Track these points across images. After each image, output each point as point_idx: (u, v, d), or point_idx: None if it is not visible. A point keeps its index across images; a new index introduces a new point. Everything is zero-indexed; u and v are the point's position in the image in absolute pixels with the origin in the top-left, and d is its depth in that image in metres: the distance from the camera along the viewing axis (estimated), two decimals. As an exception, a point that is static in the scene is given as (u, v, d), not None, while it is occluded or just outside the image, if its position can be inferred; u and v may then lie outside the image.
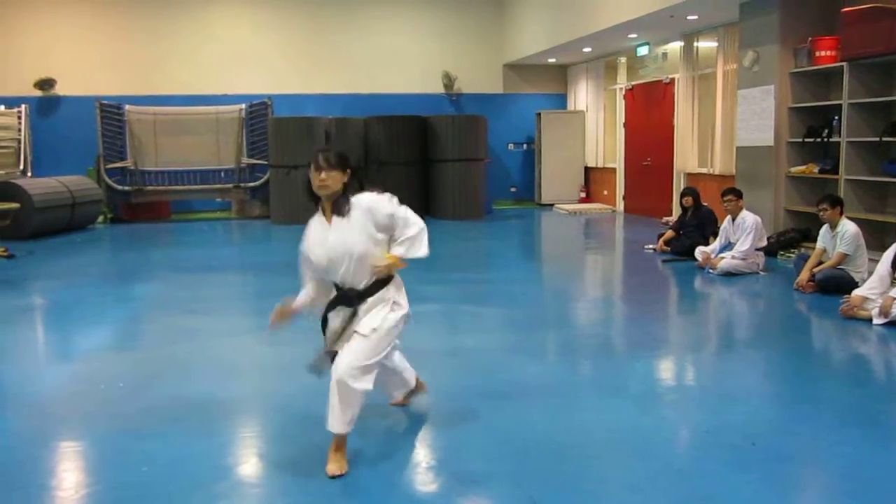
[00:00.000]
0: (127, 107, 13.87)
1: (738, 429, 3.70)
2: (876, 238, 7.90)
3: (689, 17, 10.61)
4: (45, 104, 14.47)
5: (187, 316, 6.48)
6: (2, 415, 4.18)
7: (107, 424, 3.91)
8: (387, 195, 3.42)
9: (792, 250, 8.69)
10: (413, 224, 3.41)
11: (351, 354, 3.29)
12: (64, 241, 11.35)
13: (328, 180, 3.32)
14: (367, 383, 3.31)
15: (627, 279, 8.71)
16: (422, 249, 3.41)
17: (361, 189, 3.43)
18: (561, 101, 16.59)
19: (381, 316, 3.38)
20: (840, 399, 4.29)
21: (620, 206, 14.68)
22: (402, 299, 3.54)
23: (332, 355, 3.34)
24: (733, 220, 8.08)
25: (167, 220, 14.47)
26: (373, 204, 3.36)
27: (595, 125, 15.51)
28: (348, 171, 3.38)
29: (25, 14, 14.27)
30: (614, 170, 14.86)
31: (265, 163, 13.93)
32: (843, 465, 3.36)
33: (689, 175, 12.18)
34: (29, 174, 13.55)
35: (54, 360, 5.43)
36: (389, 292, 3.44)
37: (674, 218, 10.85)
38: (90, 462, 3.54)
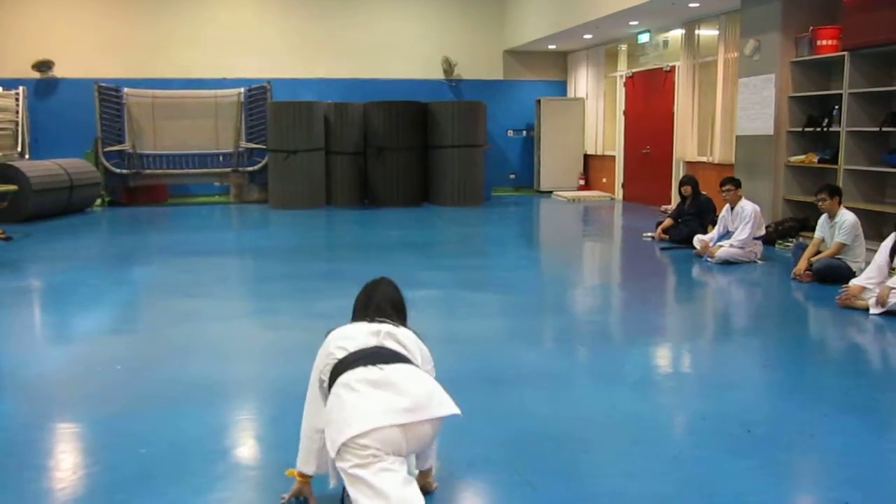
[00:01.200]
0: (125, 90, 13.82)
1: (735, 416, 3.72)
2: (874, 228, 7.91)
3: (690, 5, 10.57)
4: (44, 86, 14.41)
5: (185, 299, 6.47)
6: (0, 396, 4.18)
7: (104, 407, 3.92)
8: None
9: (790, 239, 8.70)
10: None
11: None
12: (61, 224, 11.33)
13: None
14: None
15: (625, 267, 8.72)
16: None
17: None
18: (561, 87, 16.54)
19: None
20: (837, 387, 4.30)
21: (619, 193, 14.67)
22: None
23: None
24: (732, 208, 8.08)
25: (165, 203, 14.45)
26: None
27: (595, 112, 15.47)
28: None
29: (23, -5, 14.20)
30: (613, 157, 14.84)
31: (264, 147, 13.90)
32: (839, 452, 3.37)
33: (689, 163, 12.17)
34: (26, 156, 13.51)
35: (52, 343, 5.42)
36: None
37: (672, 206, 10.85)
38: (88, 444, 3.54)
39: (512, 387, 4.19)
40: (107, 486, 3.05)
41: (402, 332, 2.86)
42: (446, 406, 2.66)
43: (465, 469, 3.18)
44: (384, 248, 9.25)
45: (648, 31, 13.07)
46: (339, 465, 2.54)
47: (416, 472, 2.89)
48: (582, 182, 15.87)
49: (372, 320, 2.88)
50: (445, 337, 5.29)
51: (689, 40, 11.99)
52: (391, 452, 2.53)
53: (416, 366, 2.77)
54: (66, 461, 3.35)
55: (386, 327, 2.83)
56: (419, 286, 6.90)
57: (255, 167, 14.16)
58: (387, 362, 2.67)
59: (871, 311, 5.73)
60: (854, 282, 6.02)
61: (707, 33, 11.80)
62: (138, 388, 4.21)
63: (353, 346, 2.73)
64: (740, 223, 7.90)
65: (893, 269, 5.95)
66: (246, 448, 3.49)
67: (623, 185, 14.61)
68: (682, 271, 7.83)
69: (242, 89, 14.19)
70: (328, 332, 2.89)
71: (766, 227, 8.37)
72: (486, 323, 5.67)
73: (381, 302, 2.98)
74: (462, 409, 3.79)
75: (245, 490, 3.07)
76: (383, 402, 2.56)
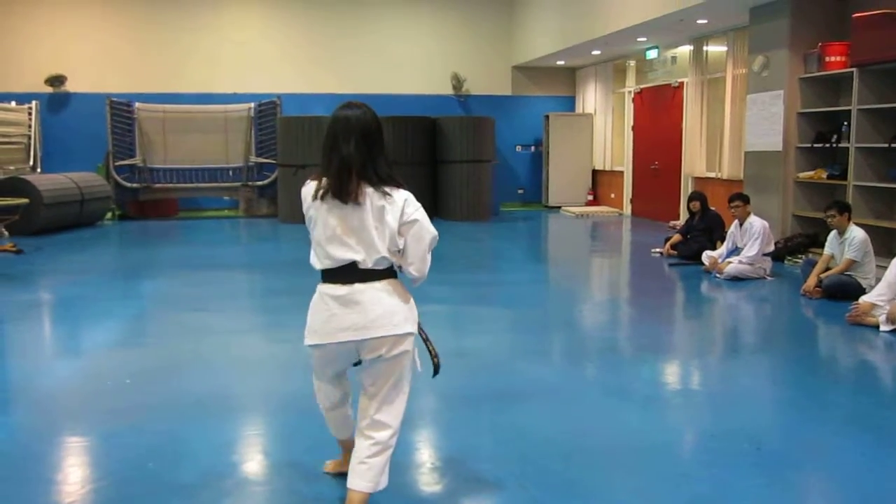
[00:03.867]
0: (137, 104, 13.93)
1: (744, 434, 3.70)
2: (884, 244, 7.88)
3: (698, 22, 10.59)
4: (56, 101, 14.54)
5: (194, 313, 6.49)
6: (9, 409, 4.20)
7: (113, 420, 3.93)
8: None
9: (799, 255, 8.68)
10: None
11: None
12: (72, 238, 11.39)
13: None
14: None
15: (634, 283, 8.70)
16: None
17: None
18: (569, 103, 16.58)
19: None
20: (847, 405, 4.28)
21: (628, 209, 14.67)
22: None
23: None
24: (741, 224, 8.07)
25: (175, 217, 14.52)
26: None
27: (603, 128, 15.50)
28: None
29: (38, 11, 14.34)
30: (622, 173, 14.85)
31: (273, 162, 13.97)
32: (849, 471, 3.35)
33: (697, 179, 12.16)
34: (38, 170, 13.61)
35: (61, 356, 5.45)
36: None
37: (681, 222, 10.84)
38: (96, 457, 3.55)
39: (520, 402, 4.19)
40: (115, 500, 3.06)
41: (373, 212, 2.79)
42: (401, 326, 2.83)
43: (472, 485, 3.17)
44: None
45: (657, 47, 13.10)
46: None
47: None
48: (590, 197, 15.87)
49: (346, 201, 2.76)
50: (454, 352, 5.29)
51: (698, 56, 12.01)
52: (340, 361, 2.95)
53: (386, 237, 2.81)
54: (74, 475, 3.35)
55: (372, 214, 2.78)
56: (428, 301, 6.88)
57: (265, 182, 14.23)
58: (355, 281, 2.80)
59: (882, 328, 5.70)
60: (864, 299, 5.99)
61: (715, 49, 11.82)
62: (147, 401, 4.22)
63: (338, 255, 2.80)
64: (749, 239, 7.88)
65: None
66: (254, 463, 3.49)
67: (631, 201, 14.60)
68: (690, 287, 7.81)
69: (252, 104, 14.28)
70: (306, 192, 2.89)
71: (775, 244, 8.35)
72: (495, 338, 5.67)
73: (354, 164, 2.76)
74: (469, 425, 3.81)
75: (252, 505, 3.07)
76: (344, 320, 2.79)
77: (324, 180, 2.80)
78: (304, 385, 3.89)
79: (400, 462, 3.40)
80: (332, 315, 2.81)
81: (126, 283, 8.12)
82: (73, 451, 3.64)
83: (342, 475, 3.21)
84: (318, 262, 2.88)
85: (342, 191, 2.75)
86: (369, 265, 2.79)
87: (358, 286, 2.80)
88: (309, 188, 2.87)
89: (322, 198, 2.79)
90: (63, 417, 4.04)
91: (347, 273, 2.80)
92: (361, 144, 2.77)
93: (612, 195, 15.32)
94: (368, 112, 2.85)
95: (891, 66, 7.82)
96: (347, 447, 3.15)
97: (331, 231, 2.79)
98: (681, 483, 3.19)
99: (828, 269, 6.96)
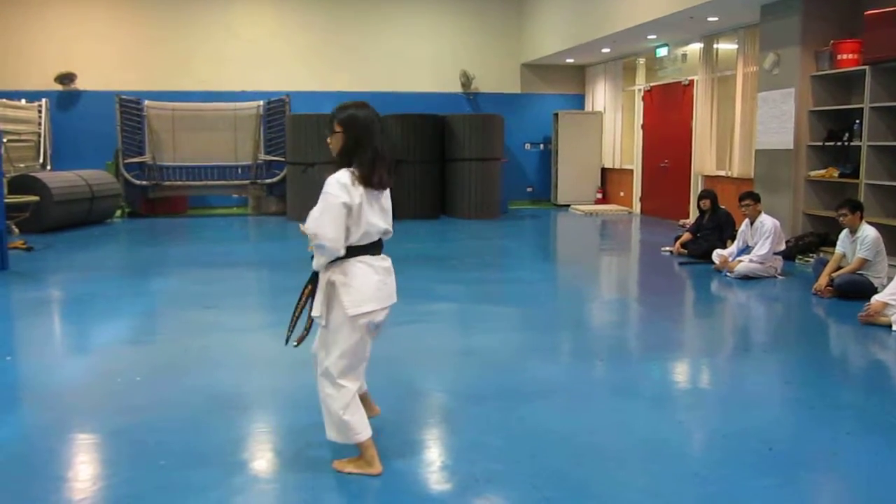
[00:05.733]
0: (146, 102, 13.96)
1: (756, 434, 3.68)
2: (896, 243, 7.83)
3: (709, 19, 10.55)
4: (66, 98, 14.59)
5: (203, 311, 6.51)
6: (20, 406, 4.22)
7: (123, 417, 3.93)
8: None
9: (810, 254, 8.63)
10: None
11: (321, 350, 3.36)
12: (82, 235, 11.43)
13: None
14: (328, 388, 3.24)
15: (643, 281, 8.67)
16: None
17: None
18: (578, 101, 16.54)
19: (320, 303, 3.28)
20: (859, 405, 4.25)
21: (637, 207, 14.63)
22: (348, 294, 3.19)
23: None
24: (751, 223, 8.03)
25: (184, 215, 14.56)
26: None
27: (612, 126, 15.46)
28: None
29: (48, 9, 14.40)
30: (631, 171, 14.81)
31: (282, 160, 13.98)
32: (861, 472, 3.33)
33: (707, 177, 12.11)
34: (48, 168, 13.66)
35: (71, 353, 5.46)
36: (333, 275, 3.24)
37: (691, 220, 10.80)
38: (107, 455, 3.56)
39: (529, 401, 4.17)
40: (126, 497, 3.07)
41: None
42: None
43: (483, 484, 3.16)
44: (400, 260, 9.18)
45: (667, 44, 13.05)
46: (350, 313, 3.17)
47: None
48: (599, 196, 15.84)
49: (377, 186, 3.22)
50: (463, 350, 5.30)
51: (708, 54, 11.96)
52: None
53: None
54: (85, 472, 3.36)
55: (384, 198, 3.33)
56: (436, 299, 6.90)
57: (274, 179, 14.25)
58: (383, 252, 3.35)
59: (894, 327, 5.67)
60: (876, 298, 5.95)
61: (726, 47, 11.77)
62: (157, 399, 4.23)
63: (383, 225, 3.30)
64: (760, 238, 7.84)
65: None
66: (264, 461, 3.49)
67: (641, 199, 14.56)
68: (700, 286, 7.78)
69: (261, 102, 14.30)
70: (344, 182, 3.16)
71: (786, 242, 8.30)
72: (504, 337, 5.66)
73: (389, 162, 3.26)
74: (479, 424, 3.80)
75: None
76: (388, 287, 3.32)
77: (357, 171, 3.16)
78: (314, 382, 3.88)
79: (410, 460, 3.40)
80: (383, 283, 3.26)
81: (136, 280, 8.13)
82: (85, 448, 3.65)
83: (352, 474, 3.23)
84: (355, 238, 3.19)
85: (376, 178, 3.18)
86: (389, 237, 3.34)
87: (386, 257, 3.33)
88: (343, 178, 3.15)
89: (363, 185, 3.15)
90: (74, 414, 4.05)
91: (380, 246, 3.31)
92: (379, 139, 3.22)
93: (622, 193, 15.28)
94: (374, 110, 3.29)
95: (903, 63, 7.77)
96: (367, 445, 3.24)
97: (375, 211, 3.22)
98: (693, 482, 3.18)
99: (839, 268, 6.92)
